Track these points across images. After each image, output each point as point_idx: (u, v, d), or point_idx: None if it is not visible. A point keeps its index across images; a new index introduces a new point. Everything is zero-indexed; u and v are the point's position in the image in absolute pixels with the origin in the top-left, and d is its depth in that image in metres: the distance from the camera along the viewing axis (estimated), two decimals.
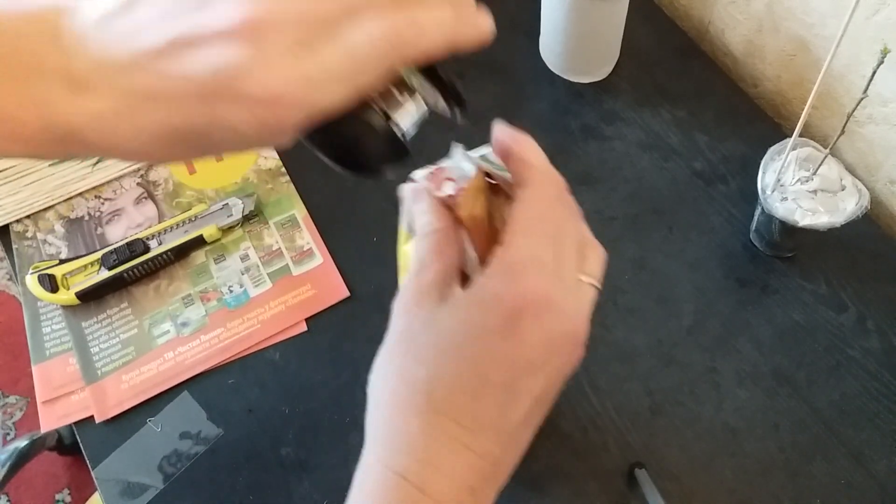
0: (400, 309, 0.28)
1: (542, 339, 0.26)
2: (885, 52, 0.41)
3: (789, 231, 0.51)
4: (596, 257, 0.29)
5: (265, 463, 0.48)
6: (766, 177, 0.51)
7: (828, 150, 0.49)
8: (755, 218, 0.55)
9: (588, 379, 0.51)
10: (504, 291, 0.25)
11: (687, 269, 0.55)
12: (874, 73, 0.42)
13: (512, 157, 0.30)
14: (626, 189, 0.59)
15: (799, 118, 0.47)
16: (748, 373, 0.51)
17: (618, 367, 0.51)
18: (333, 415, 0.49)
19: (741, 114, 0.63)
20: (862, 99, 0.44)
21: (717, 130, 0.62)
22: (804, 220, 0.49)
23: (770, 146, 0.52)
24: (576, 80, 0.65)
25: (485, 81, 0.66)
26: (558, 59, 0.65)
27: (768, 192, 0.51)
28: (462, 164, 0.32)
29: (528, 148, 0.29)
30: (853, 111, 0.45)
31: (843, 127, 0.45)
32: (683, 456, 0.48)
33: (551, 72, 0.66)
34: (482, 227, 0.30)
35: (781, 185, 0.51)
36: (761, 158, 0.52)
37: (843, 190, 0.51)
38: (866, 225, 0.55)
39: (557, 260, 0.26)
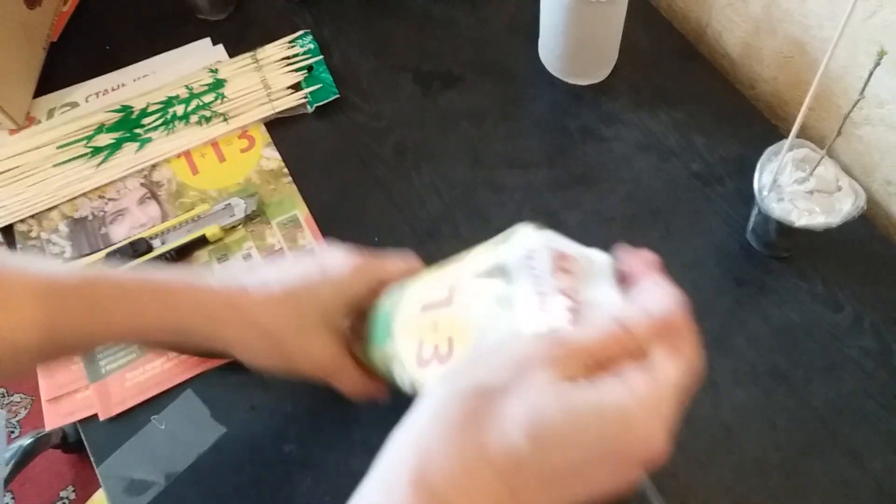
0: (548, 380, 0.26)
1: (616, 483, 0.26)
2: (881, 54, 0.41)
3: (786, 231, 0.52)
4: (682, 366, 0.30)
5: (268, 460, 0.48)
6: (763, 177, 0.52)
7: (824, 152, 0.49)
8: (752, 218, 0.55)
9: None
10: (645, 434, 0.25)
11: (684, 268, 0.55)
12: (871, 74, 0.42)
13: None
14: (624, 190, 0.60)
15: (796, 119, 0.47)
16: (745, 372, 0.51)
17: None
18: (336, 412, 0.50)
19: (738, 115, 0.63)
20: (858, 100, 0.44)
21: (715, 132, 0.62)
22: (801, 220, 0.50)
23: (767, 147, 0.53)
24: (574, 82, 0.66)
25: (484, 83, 0.66)
26: (557, 62, 0.65)
27: (765, 192, 0.51)
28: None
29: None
30: (850, 112, 0.45)
31: (840, 128, 0.46)
32: (681, 454, 0.48)
33: (550, 74, 0.66)
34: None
35: (778, 186, 0.51)
36: (758, 159, 0.52)
37: (839, 191, 0.51)
38: (862, 225, 0.56)
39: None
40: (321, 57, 0.68)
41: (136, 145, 0.62)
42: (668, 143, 0.62)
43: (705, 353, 0.52)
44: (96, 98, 0.67)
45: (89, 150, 0.62)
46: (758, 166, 0.52)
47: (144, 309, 0.38)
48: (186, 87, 0.65)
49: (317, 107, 0.65)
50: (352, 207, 0.59)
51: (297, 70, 0.67)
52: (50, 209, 0.60)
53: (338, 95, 0.65)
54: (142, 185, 0.61)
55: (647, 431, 0.24)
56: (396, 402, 0.51)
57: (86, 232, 0.59)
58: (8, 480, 0.93)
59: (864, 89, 0.43)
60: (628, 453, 0.24)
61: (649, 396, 0.25)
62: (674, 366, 0.27)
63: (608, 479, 0.25)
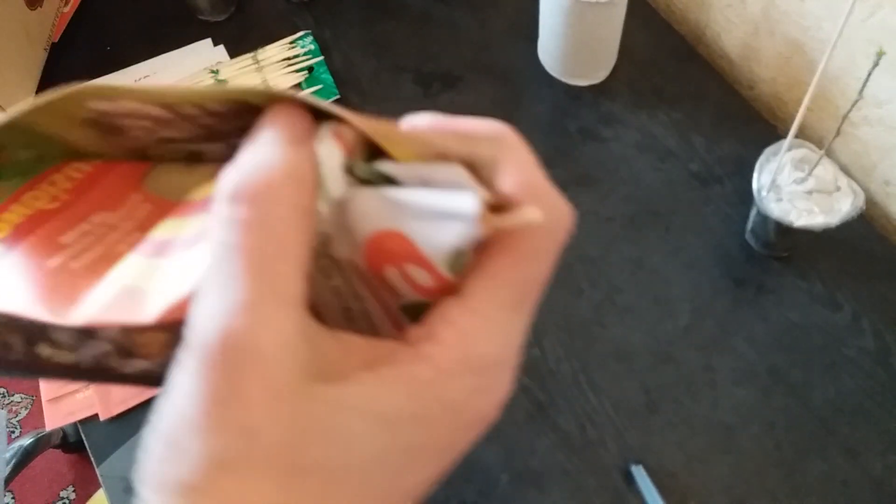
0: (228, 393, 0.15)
1: (468, 446, 0.18)
2: (879, 55, 0.41)
3: (785, 231, 0.52)
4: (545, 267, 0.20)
5: None
6: (762, 178, 0.52)
7: (823, 152, 0.49)
8: (751, 218, 0.55)
9: (586, 377, 0.51)
10: (473, 400, 0.17)
11: (683, 268, 0.56)
12: (869, 75, 0.42)
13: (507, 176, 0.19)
14: (624, 190, 0.60)
15: (794, 120, 0.47)
16: (744, 371, 0.51)
17: (615, 366, 0.52)
18: None
19: (737, 116, 0.64)
20: (857, 101, 0.44)
21: (714, 132, 0.63)
22: (799, 220, 0.50)
23: (766, 147, 0.53)
24: (574, 83, 0.66)
25: (484, 84, 0.66)
26: (556, 63, 0.65)
27: (764, 192, 0.51)
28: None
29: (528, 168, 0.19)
30: (848, 113, 0.45)
31: (839, 128, 0.46)
32: (680, 453, 0.48)
33: (549, 75, 0.66)
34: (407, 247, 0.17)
35: (777, 186, 0.52)
36: (757, 160, 0.52)
37: (837, 191, 0.51)
38: (861, 225, 0.56)
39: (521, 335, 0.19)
40: (322, 58, 0.68)
41: None
42: (668, 143, 0.62)
43: (704, 352, 0.52)
44: None
45: None
46: (756, 166, 0.52)
47: None
48: None
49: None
50: None
51: (297, 71, 0.67)
52: None
53: (338, 96, 0.66)
54: None
55: (462, 404, 0.17)
56: None
57: None
58: (8, 480, 0.93)
59: (862, 90, 0.43)
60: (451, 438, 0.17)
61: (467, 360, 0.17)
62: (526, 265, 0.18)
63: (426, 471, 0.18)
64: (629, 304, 0.54)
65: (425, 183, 0.17)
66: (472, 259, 0.17)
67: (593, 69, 0.66)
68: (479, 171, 0.17)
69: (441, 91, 0.66)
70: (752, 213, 0.55)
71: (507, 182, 0.18)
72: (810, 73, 0.60)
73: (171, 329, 0.17)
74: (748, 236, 0.56)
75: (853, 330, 0.52)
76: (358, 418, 0.15)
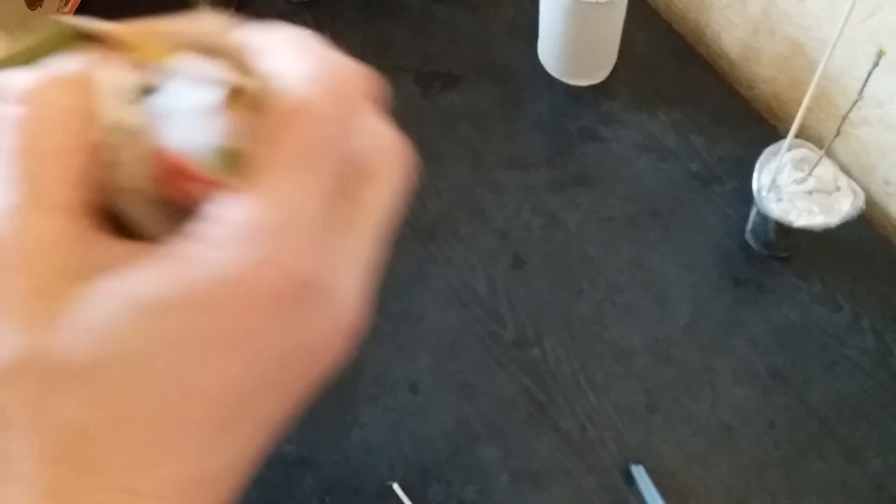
0: None
1: (292, 345, 0.16)
2: (880, 55, 0.41)
3: (784, 231, 0.52)
4: (380, 184, 0.18)
5: (268, 460, 0.48)
6: (762, 178, 0.52)
7: (823, 152, 0.49)
8: (751, 218, 0.55)
9: (586, 377, 0.51)
10: (251, 270, 0.14)
11: (683, 268, 0.56)
12: (869, 75, 0.42)
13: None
14: (624, 190, 0.60)
15: (794, 120, 0.47)
16: (744, 371, 0.51)
17: (615, 366, 0.52)
18: (335, 412, 0.50)
19: (737, 116, 0.64)
20: (857, 101, 0.44)
21: (714, 132, 0.63)
22: (799, 220, 0.50)
23: (766, 147, 0.53)
24: (574, 83, 0.66)
25: (484, 84, 0.66)
26: (556, 63, 0.65)
27: (764, 192, 0.51)
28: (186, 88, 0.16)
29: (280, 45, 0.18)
30: (848, 113, 0.45)
31: (839, 128, 0.46)
32: (680, 453, 0.48)
33: (549, 75, 0.66)
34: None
35: (777, 186, 0.52)
36: (757, 160, 0.52)
37: (837, 191, 0.51)
38: (861, 225, 0.56)
39: (327, 212, 0.16)
40: None
41: None
42: (667, 143, 0.62)
43: (703, 352, 0.52)
44: None
45: None
46: (756, 166, 0.52)
47: None
48: None
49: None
50: None
51: None
52: None
53: None
54: None
55: (245, 271, 0.14)
56: (397, 402, 0.51)
57: None
58: None
59: (862, 90, 0.43)
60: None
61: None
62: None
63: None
64: (629, 304, 0.54)
65: (182, 83, 0.16)
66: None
67: (593, 69, 0.66)
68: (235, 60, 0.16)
69: (441, 91, 0.66)
70: (752, 213, 0.55)
71: (280, 65, 0.17)
72: (810, 73, 0.60)
73: None
74: (748, 236, 0.56)
75: (853, 330, 0.52)
76: (120, 308, 0.14)
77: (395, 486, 0.47)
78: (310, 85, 0.16)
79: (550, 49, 0.65)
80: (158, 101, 0.15)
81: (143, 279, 0.14)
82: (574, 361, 0.52)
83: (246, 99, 0.15)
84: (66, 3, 0.74)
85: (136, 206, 0.16)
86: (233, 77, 0.15)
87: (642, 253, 0.57)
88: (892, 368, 0.51)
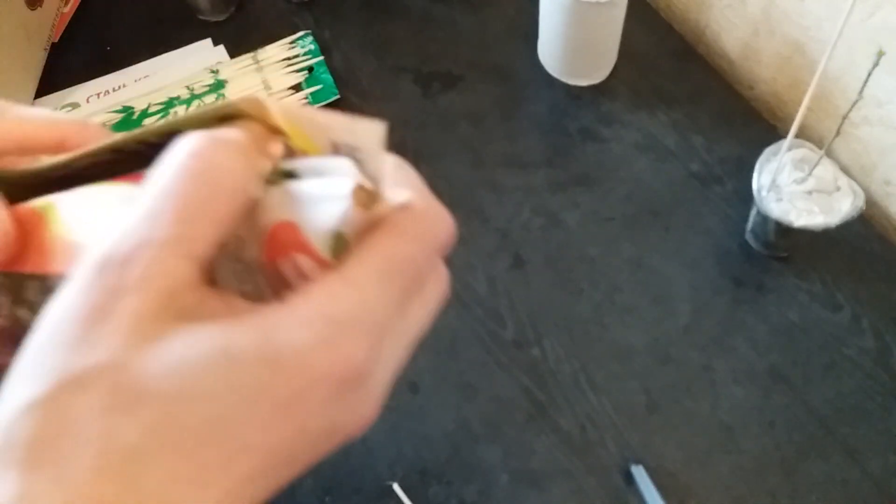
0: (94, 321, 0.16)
1: (329, 423, 0.17)
2: (880, 55, 0.41)
3: (784, 231, 0.52)
4: (427, 305, 0.20)
5: None
6: (762, 178, 0.52)
7: (823, 152, 0.49)
8: (751, 218, 0.55)
9: (586, 377, 0.51)
10: (320, 348, 0.17)
11: (683, 268, 0.56)
12: (869, 75, 0.42)
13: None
14: (624, 190, 0.60)
15: (794, 120, 0.47)
16: (744, 371, 0.51)
17: (615, 366, 0.52)
18: None
19: (737, 116, 0.64)
20: (857, 101, 0.44)
21: (714, 132, 0.63)
22: (799, 220, 0.50)
23: (766, 147, 0.53)
24: (574, 83, 0.66)
25: (484, 84, 0.67)
26: (556, 63, 0.65)
27: (764, 192, 0.51)
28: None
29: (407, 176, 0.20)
30: (848, 113, 0.45)
31: (839, 128, 0.46)
32: (680, 453, 0.48)
33: (549, 75, 0.66)
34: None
35: (777, 186, 0.52)
36: (757, 160, 0.52)
37: (838, 191, 0.51)
38: (861, 225, 0.56)
39: (390, 317, 0.18)
40: (322, 58, 0.68)
41: None
42: (667, 143, 0.62)
43: (703, 352, 0.52)
44: (97, 99, 0.67)
45: None
46: (756, 166, 0.52)
47: None
48: (187, 87, 0.66)
49: (317, 107, 0.65)
50: None
51: (297, 71, 0.67)
52: None
53: (338, 96, 0.66)
54: None
55: (308, 350, 0.17)
56: (396, 402, 0.51)
57: None
58: None
59: (862, 90, 0.43)
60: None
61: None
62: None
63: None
64: (629, 304, 0.54)
65: (318, 174, 0.18)
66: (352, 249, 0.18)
67: (593, 69, 0.66)
68: (365, 167, 0.19)
69: (441, 91, 0.66)
70: (752, 213, 0.55)
71: (392, 185, 0.19)
72: (810, 73, 0.60)
73: None
74: (748, 236, 0.56)
75: (853, 330, 0.52)
76: (205, 352, 0.16)
77: (395, 486, 0.47)
78: (411, 210, 0.19)
79: (550, 49, 0.65)
80: (294, 183, 0.18)
81: (232, 331, 0.16)
82: (574, 361, 0.52)
83: (362, 196, 0.18)
84: (65, 3, 0.74)
85: (234, 263, 0.18)
86: (360, 177, 0.18)
87: (642, 253, 0.57)
88: (892, 368, 0.51)
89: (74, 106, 0.66)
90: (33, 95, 0.67)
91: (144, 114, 0.64)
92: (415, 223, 0.19)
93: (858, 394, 0.50)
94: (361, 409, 0.18)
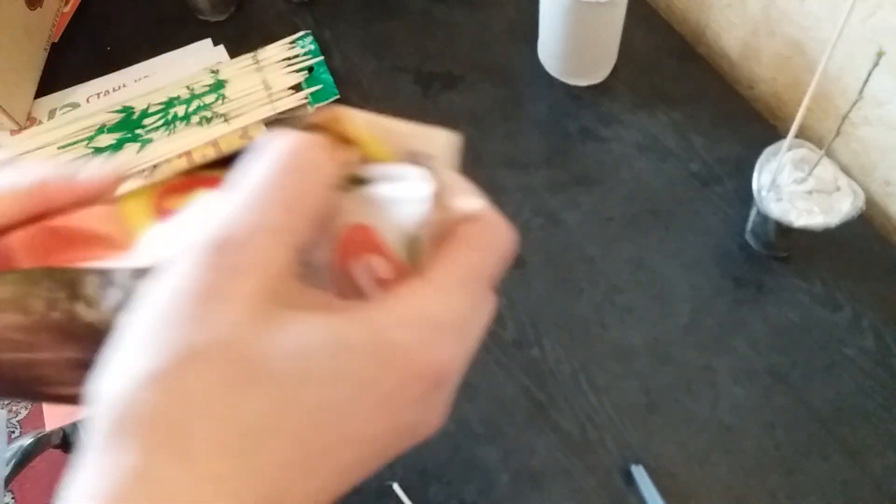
0: (204, 293, 0.16)
1: (413, 421, 0.18)
2: (879, 55, 0.41)
3: (784, 231, 0.52)
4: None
5: None
6: (762, 178, 0.52)
7: (823, 152, 0.49)
8: (751, 218, 0.55)
9: (586, 377, 0.51)
10: (416, 349, 0.17)
11: (683, 268, 0.56)
12: (869, 75, 0.42)
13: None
14: (624, 190, 0.60)
15: (794, 120, 0.47)
16: (744, 371, 0.51)
17: (615, 366, 0.52)
18: None
19: (737, 116, 0.64)
20: (857, 101, 0.44)
21: (714, 132, 0.63)
22: (799, 220, 0.50)
23: (766, 147, 0.53)
24: (574, 83, 0.66)
25: (484, 84, 0.66)
26: (557, 63, 0.65)
27: (764, 192, 0.51)
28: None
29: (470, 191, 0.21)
30: (848, 113, 0.45)
31: (839, 128, 0.46)
32: (680, 453, 0.48)
33: (550, 75, 0.66)
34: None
35: (777, 186, 0.52)
36: (757, 160, 0.52)
37: (837, 191, 0.51)
38: (861, 225, 0.56)
39: (474, 323, 0.19)
40: (322, 58, 0.68)
41: (137, 146, 0.63)
42: (667, 143, 0.62)
43: (703, 352, 0.52)
44: (97, 99, 0.67)
45: (90, 150, 0.62)
46: (756, 166, 0.52)
47: None
48: (187, 87, 0.66)
49: (317, 107, 0.65)
50: None
51: (297, 71, 0.67)
52: None
53: (338, 96, 0.66)
54: None
55: (413, 349, 0.18)
56: None
57: None
58: (8, 480, 0.93)
59: (862, 90, 0.43)
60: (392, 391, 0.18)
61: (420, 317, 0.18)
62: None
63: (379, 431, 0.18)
64: (629, 303, 0.54)
65: (392, 180, 0.19)
66: (427, 253, 0.19)
67: (593, 69, 0.66)
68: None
69: (441, 91, 0.66)
70: (752, 213, 0.55)
71: (463, 193, 0.21)
72: (810, 73, 0.60)
73: None
74: (748, 236, 0.56)
75: (853, 330, 0.52)
76: (320, 340, 0.17)
77: (395, 486, 0.47)
78: (484, 220, 0.20)
79: (550, 49, 0.65)
80: (369, 190, 0.19)
81: (342, 324, 0.17)
82: (574, 361, 0.52)
83: (438, 202, 0.19)
84: (65, 3, 0.74)
85: (302, 265, 0.19)
86: (435, 183, 0.19)
87: (642, 253, 0.57)
88: (892, 368, 0.51)
89: (74, 106, 0.66)
90: (33, 95, 0.67)
91: (144, 114, 0.64)
92: (487, 234, 0.20)
93: (858, 394, 0.50)
94: (439, 410, 0.19)
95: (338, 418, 0.17)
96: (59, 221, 0.22)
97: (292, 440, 0.16)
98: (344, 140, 0.20)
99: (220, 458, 0.15)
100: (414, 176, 0.19)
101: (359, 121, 0.19)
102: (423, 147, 0.20)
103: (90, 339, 0.20)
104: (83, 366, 0.20)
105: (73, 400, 0.21)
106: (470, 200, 0.20)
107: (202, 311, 0.16)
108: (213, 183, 0.21)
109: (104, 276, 0.20)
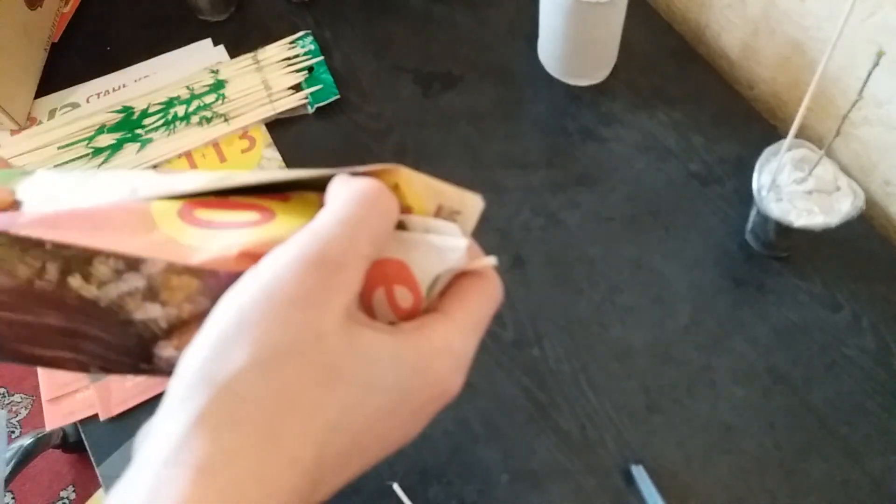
0: (300, 302, 0.19)
1: (419, 432, 0.22)
2: (880, 55, 0.41)
3: (784, 231, 0.52)
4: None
5: None
6: (762, 178, 0.52)
7: (823, 152, 0.49)
8: (751, 218, 0.55)
9: (586, 377, 0.51)
10: (446, 377, 0.22)
11: (683, 268, 0.56)
12: (869, 75, 0.42)
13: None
14: (624, 190, 0.60)
15: (794, 120, 0.47)
16: (744, 371, 0.51)
17: (615, 366, 0.52)
18: None
19: (737, 116, 0.64)
20: (857, 101, 0.44)
21: (714, 132, 0.63)
22: (799, 220, 0.50)
23: (766, 147, 0.53)
24: (574, 83, 0.66)
25: (484, 85, 0.66)
26: (556, 63, 0.65)
27: (764, 192, 0.51)
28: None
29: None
30: (848, 113, 0.45)
31: (839, 128, 0.46)
32: (680, 453, 0.48)
33: (549, 75, 0.66)
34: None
35: (777, 186, 0.52)
36: (757, 160, 0.52)
37: (837, 191, 0.51)
38: (861, 225, 0.56)
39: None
40: (322, 58, 0.68)
41: (137, 146, 0.63)
42: (667, 143, 0.62)
43: (703, 352, 0.52)
44: (97, 99, 0.67)
45: (90, 150, 0.62)
46: (756, 166, 0.52)
47: None
48: (187, 87, 0.66)
49: (317, 107, 0.65)
50: None
51: (297, 71, 0.67)
52: None
53: (338, 96, 0.66)
54: None
55: (444, 375, 0.22)
56: None
57: None
58: (8, 480, 0.93)
59: (862, 90, 0.43)
60: (425, 399, 0.22)
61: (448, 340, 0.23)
62: (474, 306, 0.24)
63: (403, 427, 0.22)
64: (629, 303, 0.54)
65: (428, 231, 0.23)
66: (441, 292, 0.24)
67: (593, 69, 0.66)
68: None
69: (441, 91, 0.66)
70: (752, 213, 0.55)
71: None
72: (810, 73, 0.60)
73: (202, 277, 0.22)
74: (748, 236, 0.56)
75: (853, 330, 0.52)
76: (385, 353, 0.20)
77: (395, 486, 0.47)
78: (491, 277, 0.25)
79: (550, 49, 0.65)
80: (408, 234, 0.23)
81: (399, 342, 0.21)
82: (574, 361, 0.52)
83: (464, 255, 0.23)
84: (65, 3, 0.74)
85: None
86: (467, 239, 0.23)
87: (642, 253, 0.57)
88: (892, 368, 0.51)
89: (74, 106, 0.66)
90: (34, 95, 0.67)
91: (144, 114, 0.64)
92: (493, 289, 0.24)
93: (858, 394, 0.50)
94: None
95: (384, 422, 0.20)
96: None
97: (352, 437, 0.19)
98: (392, 189, 0.23)
99: (302, 445, 0.18)
100: (449, 230, 0.23)
101: (404, 174, 0.23)
102: (455, 205, 0.24)
103: (82, 312, 0.22)
104: (68, 333, 0.23)
105: (53, 363, 0.23)
106: (482, 260, 0.24)
107: (302, 316, 0.19)
108: (252, 208, 0.24)
109: (126, 261, 0.22)
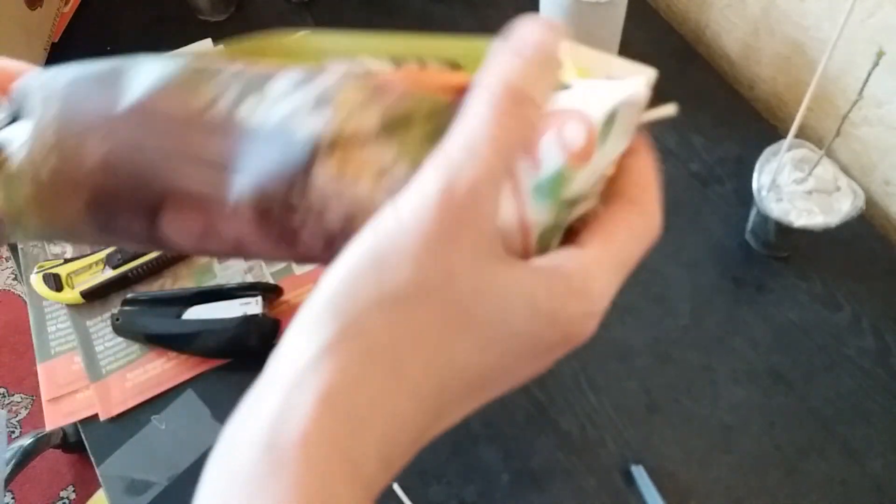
0: (440, 239, 0.18)
1: (543, 370, 0.21)
2: (879, 55, 0.41)
3: (785, 231, 0.52)
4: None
5: None
6: (762, 178, 0.52)
7: (823, 152, 0.49)
8: (751, 218, 0.55)
9: (586, 377, 0.51)
10: (579, 322, 0.20)
11: (684, 268, 0.56)
12: (869, 75, 0.42)
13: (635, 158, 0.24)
14: None
15: (794, 120, 0.47)
16: (744, 371, 0.51)
17: (615, 366, 0.52)
18: None
19: (737, 116, 0.64)
20: (857, 101, 0.44)
21: (714, 132, 0.63)
22: (799, 220, 0.50)
23: (766, 148, 0.53)
24: None
25: None
26: None
27: (764, 192, 0.51)
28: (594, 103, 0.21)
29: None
30: (848, 113, 0.45)
31: (839, 128, 0.46)
32: (680, 453, 0.48)
33: None
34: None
35: (777, 186, 0.52)
36: (757, 160, 0.52)
37: (837, 191, 0.51)
38: (861, 225, 0.56)
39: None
40: None
41: None
42: (667, 143, 0.62)
43: (703, 352, 0.52)
44: None
45: None
46: (756, 166, 0.52)
47: None
48: None
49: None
50: None
51: None
52: None
53: None
54: None
55: (577, 319, 0.20)
56: None
57: None
58: (8, 480, 0.93)
59: (862, 90, 0.43)
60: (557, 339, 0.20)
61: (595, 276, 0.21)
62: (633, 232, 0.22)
63: (531, 364, 0.21)
64: (629, 303, 0.54)
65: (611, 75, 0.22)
66: (595, 208, 0.22)
67: None
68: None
69: None
70: (753, 213, 0.55)
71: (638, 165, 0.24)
72: (810, 73, 0.60)
73: (377, 90, 0.21)
74: (748, 236, 0.56)
75: (853, 330, 0.52)
76: (516, 296, 0.19)
77: (395, 486, 0.47)
78: (650, 213, 0.23)
79: None
80: (564, 95, 0.21)
81: (530, 284, 0.19)
82: (574, 361, 0.52)
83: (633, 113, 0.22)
84: (65, 4, 0.74)
85: None
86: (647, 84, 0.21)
87: None
88: (892, 368, 0.51)
89: None
90: None
91: None
92: (645, 223, 0.22)
93: (858, 393, 0.50)
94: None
95: (508, 364, 0.20)
96: None
97: (475, 376, 0.19)
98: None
99: (425, 381, 0.18)
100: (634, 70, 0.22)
101: (570, 49, 0.22)
102: (625, 75, 0.23)
103: (236, 142, 0.21)
104: (214, 166, 0.22)
105: (187, 198, 0.22)
106: (666, 107, 0.22)
107: (433, 256, 0.18)
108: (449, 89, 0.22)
109: (306, 73, 0.21)
